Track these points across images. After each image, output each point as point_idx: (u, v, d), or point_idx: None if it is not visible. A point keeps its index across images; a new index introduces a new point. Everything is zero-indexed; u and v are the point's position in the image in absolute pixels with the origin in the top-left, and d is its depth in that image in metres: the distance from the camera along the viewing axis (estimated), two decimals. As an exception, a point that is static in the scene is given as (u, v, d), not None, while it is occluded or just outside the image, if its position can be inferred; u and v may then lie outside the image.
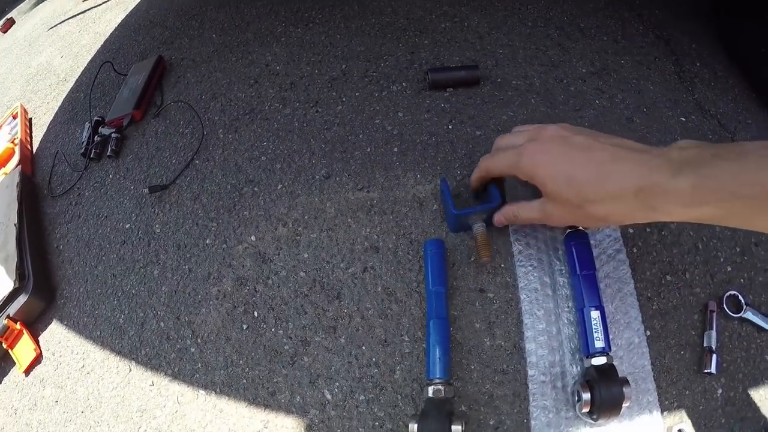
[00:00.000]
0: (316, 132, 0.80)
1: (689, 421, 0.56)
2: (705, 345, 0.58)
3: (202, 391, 0.65)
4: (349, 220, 0.70)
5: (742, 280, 0.63)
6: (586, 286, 0.55)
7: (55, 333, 0.75)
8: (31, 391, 0.73)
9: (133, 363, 0.69)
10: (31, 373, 0.74)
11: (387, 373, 0.60)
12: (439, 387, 0.54)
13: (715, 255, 0.64)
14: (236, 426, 0.63)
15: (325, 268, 0.67)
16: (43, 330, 0.76)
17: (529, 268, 0.62)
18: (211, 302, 0.69)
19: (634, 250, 0.63)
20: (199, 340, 0.67)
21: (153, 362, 0.68)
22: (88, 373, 0.71)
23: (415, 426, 0.52)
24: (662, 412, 0.56)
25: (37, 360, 0.74)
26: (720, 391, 0.57)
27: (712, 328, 0.58)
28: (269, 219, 0.72)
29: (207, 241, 0.73)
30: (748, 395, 0.58)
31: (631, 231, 0.65)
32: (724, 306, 0.60)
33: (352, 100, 0.84)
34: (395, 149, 0.76)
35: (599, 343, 0.52)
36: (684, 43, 0.93)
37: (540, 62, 0.88)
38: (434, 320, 0.57)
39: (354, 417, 0.59)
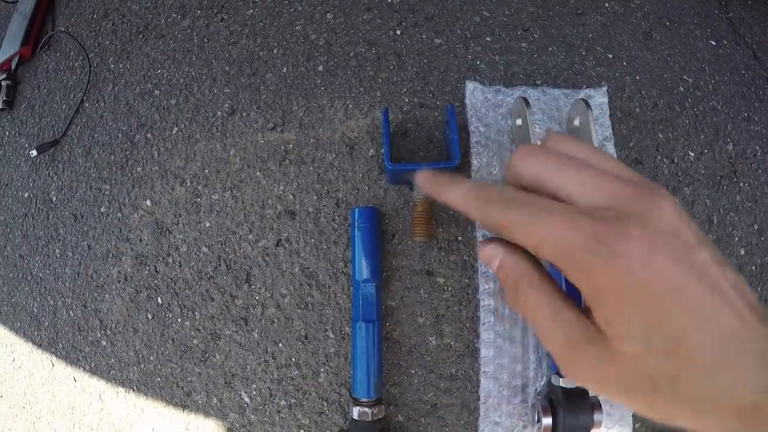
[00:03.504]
0: (220, 49, 0.59)
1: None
2: None
3: (120, 389, 0.57)
4: (258, 173, 0.52)
5: (753, 267, 0.48)
6: (566, 284, 0.37)
7: (-17, 323, 0.68)
8: (-23, 385, 0.68)
9: (54, 357, 0.61)
10: (-28, 366, 0.68)
11: (310, 376, 0.47)
12: (365, 410, 0.41)
13: (730, 233, 0.49)
14: (159, 427, 0.54)
15: (231, 240, 0.51)
16: (-29, 320, 0.69)
17: (496, 246, 0.43)
18: (113, 286, 0.57)
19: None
20: (108, 332, 0.57)
21: (71, 356, 0.60)
22: (19, 368, 0.64)
23: (338, 450, 0.41)
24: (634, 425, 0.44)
25: (-27, 352, 0.68)
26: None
27: None
28: (165, 176, 0.56)
29: (102, 210, 0.59)
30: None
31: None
32: None
33: (267, -2, 0.61)
34: (320, 68, 0.55)
35: (573, 362, 0.36)
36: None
37: None
38: (360, 324, 0.42)
39: (276, 423, 0.48)
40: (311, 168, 0.50)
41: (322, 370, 0.47)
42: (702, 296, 0.19)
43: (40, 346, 0.63)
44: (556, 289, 0.23)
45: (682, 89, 0.52)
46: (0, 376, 0.66)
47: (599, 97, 0.50)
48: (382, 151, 0.50)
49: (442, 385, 0.44)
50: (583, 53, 0.54)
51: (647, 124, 0.50)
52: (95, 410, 0.58)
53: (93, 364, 0.58)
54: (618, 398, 0.22)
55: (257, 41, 0.58)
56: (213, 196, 0.53)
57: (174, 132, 0.57)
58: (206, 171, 0.54)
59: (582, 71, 0.53)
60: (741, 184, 0.48)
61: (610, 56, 0.53)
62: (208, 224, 0.53)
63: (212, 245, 0.52)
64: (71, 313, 0.60)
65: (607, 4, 0.56)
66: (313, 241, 0.49)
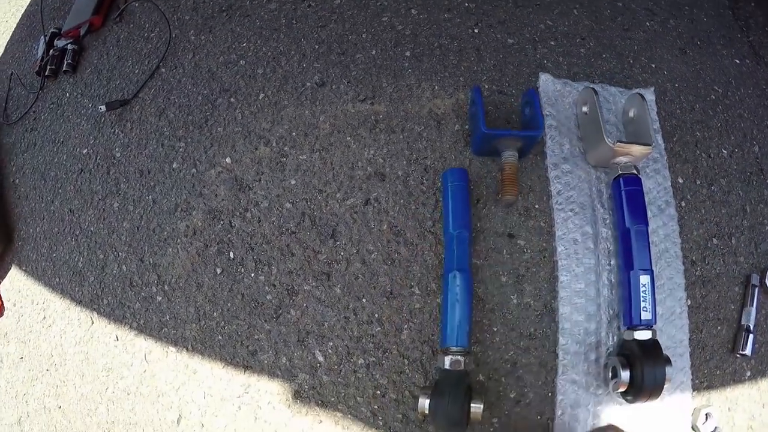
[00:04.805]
0: (308, 30, 0.63)
1: (716, 403, 0.49)
2: (743, 323, 0.51)
3: (172, 348, 0.54)
4: (348, 138, 0.54)
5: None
6: (637, 244, 0.43)
7: (15, 280, 0.65)
8: (-5, 346, 0.63)
9: (95, 314, 0.58)
10: (-6, 325, 0.64)
11: (392, 333, 0.47)
12: (458, 358, 0.41)
13: (761, 222, 0.56)
14: (212, 389, 0.52)
15: (317, 198, 0.53)
16: (1, 278, 0.66)
17: (569, 213, 0.49)
18: (178, 240, 0.56)
19: (683, 204, 0.54)
20: (166, 287, 0.55)
21: (116, 313, 0.57)
22: (49, 326, 0.61)
23: (427, 402, 0.41)
24: (692, 392, 0.48)
25: (-1, 312, 0.64)
26: (748, 373, 0.51)
27: (752, 305, 0.52)
28: (248, 136, 0.57)
29: (174, 165, 0.59)
30: (776, 380, 0.52)
31: (680, 181, 0.55)
32: (766, 281, 0.53)
33: (354, -9, 0.66)
34: (407, 53, 0.59)
35: (646, 315, 0.42)
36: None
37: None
38: (455, 273, 0.43)
39: (351, 384, 0.47)
40: (401, 136, 0.53)
41: (406, 327, 0.47)
42: None
43: (80, 302, 0.60)
44: None
45: (714, 97, 0.61)
46: (24, 335, 0.62)
47: (648, 95, 0.57)
48: (467, 126, 0.53)
49: (521, 343, 0.45)
50: (631, 62, 0.61)
51: (686, 123, 0.58)
52: (136, 372, 0.55)
53: (142, 322, 0.56)
54: None
55: (345, 26, 0.62)
56: (300, 156, 0.54)
57: (260, 98, 0.59)
58: (293, 134, 0.56)
59: (631, 76, 0.60)
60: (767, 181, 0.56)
61: (653, 66, 0.61)
62: (293, 182, 0.54)
63: (297, 202, 0.53)
64: (123, 267, 0.58)
65: (648, 23, 0.65)
66: (402, 201, 0.50)
